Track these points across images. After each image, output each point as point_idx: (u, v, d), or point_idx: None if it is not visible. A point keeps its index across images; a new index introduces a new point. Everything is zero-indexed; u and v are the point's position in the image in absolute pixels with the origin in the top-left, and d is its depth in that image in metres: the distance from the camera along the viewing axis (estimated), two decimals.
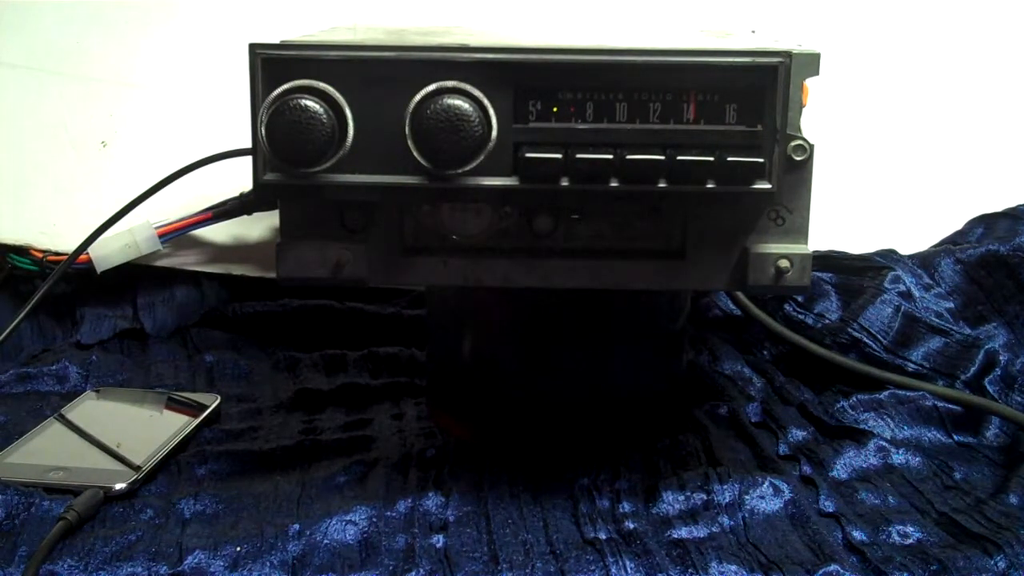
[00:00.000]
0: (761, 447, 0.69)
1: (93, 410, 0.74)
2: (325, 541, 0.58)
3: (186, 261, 0.91)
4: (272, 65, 0.53)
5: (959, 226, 0.91)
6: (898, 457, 0.68)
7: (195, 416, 0.73)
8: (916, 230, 0.91)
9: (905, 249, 0.88)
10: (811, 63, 0.55)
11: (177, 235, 0.85)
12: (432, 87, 0.53)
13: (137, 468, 0.65)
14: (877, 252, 0.88)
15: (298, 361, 0.84)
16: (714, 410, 0.74)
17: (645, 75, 0.54)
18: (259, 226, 0.91)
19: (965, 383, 0.77)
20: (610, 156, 0.54)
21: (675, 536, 0.59)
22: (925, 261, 0.86)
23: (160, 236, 0.84)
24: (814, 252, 0.59)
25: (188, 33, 0.90)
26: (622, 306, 0.67)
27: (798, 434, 0.71)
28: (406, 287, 0.92)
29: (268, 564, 0.56)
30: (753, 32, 0.76)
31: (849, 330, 0.79)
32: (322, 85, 0.53)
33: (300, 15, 0.90)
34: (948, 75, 0.93)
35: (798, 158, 0.56)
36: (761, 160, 0.54)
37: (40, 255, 0.88)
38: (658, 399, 0.72)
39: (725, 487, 0.62)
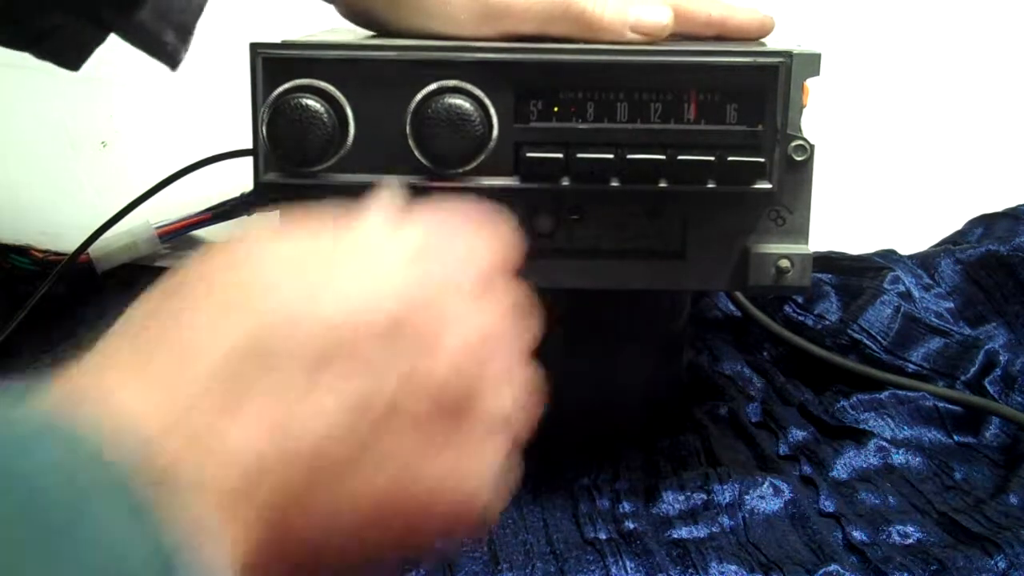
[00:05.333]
0: (761, 447, 0.69)
1: None
2: None
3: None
4: (273, 64, 0.53)
5: (959, 226, 0.91)
6: (898, 457, 0.68)
7: None
8: (916, 230, 0.91)
9: (905, 249, 0.88)
10: (812, 63, 0.55)
11: (177, 235, 0.85)
12: (433, 86, 0.53)
13: None
14: (877, 252, 0.87)
15: None
16: (714, 410, 0.74)
17: (646, 75, 0.54)
18: (259, 226, 0.91)
19: (965, 383, 0.77)
20: (611, 156, 0.54)
21: (675, 536, 0.59)
22: (925, 261, 0.85)
23: (160, 236, 0.84)
24: (814, 253, 0.59)
25: None
26: (622, 306, 0.67)
27: (798, 434, 0.71)
28: None
29: None
30: None
31: (849, 331, 0.79)
32: (323, 84, 0.53)
33: (301, 15, 0.90)
34: (948, 75, 0.93)
35: (798, 158, 0.56)
36: (761, 160, 0.54)
37: (40, 255, 0.88)
38: (658, 399, 0.72)
39: (725, 487, 0.62)
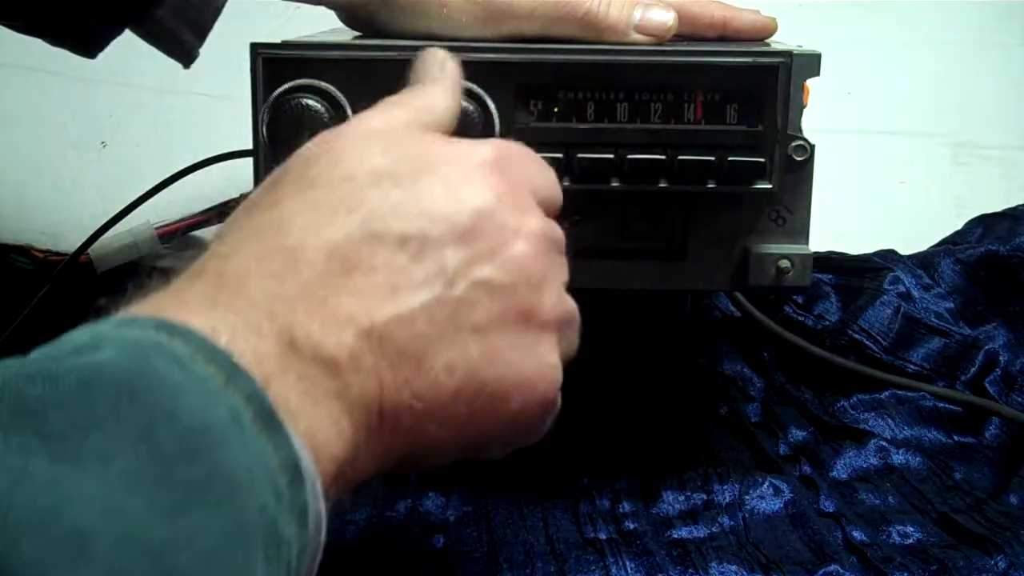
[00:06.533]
0: (761, 447, 0.69)
1: None
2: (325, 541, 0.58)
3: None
4: (273, 64, 0.53)
5: (959, 226, 0.91)
6: (898, 457, 0.68)
7: None
8: (916, 230, 0.91)
9: (905, 249, 0.88)
10: (812, 63, 0.55)
11: (177, 235, 0.85)
12: None
13: None
14: (877, 253, 0.87)
15: None
16: (714, 410, 0.74)
17: (646, 75, 0.54)
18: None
19: (965, 383, 0.77)
20: (611, 156, 0.54)
21: (675, 536, 0.59)
22: (925, 261, 0.85)
23: (160, 236, 0.84)
24: (813, 253, 0.59)
25: None
26: (622, 306, 0.67)
27: (798, 434, 0.71)
28: None
29: None
30: None
31: (849, 332, 0.79)
32: (323, 84, 0.53)
33: (301, 15, 0.90)
34: (948, 75, 0.93)
35: (799, 158, 0.56)
36: (762, 160, 0.54)
37: (40, 255, 0.88)
38: (658, 399, 0.72)
39: (725, 487, 0.62)
